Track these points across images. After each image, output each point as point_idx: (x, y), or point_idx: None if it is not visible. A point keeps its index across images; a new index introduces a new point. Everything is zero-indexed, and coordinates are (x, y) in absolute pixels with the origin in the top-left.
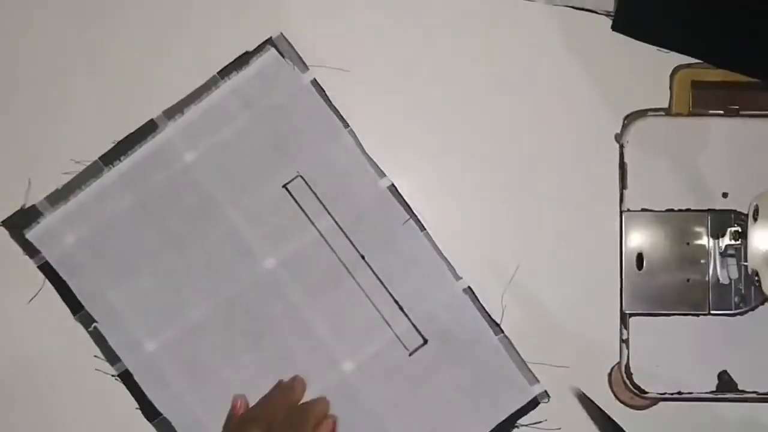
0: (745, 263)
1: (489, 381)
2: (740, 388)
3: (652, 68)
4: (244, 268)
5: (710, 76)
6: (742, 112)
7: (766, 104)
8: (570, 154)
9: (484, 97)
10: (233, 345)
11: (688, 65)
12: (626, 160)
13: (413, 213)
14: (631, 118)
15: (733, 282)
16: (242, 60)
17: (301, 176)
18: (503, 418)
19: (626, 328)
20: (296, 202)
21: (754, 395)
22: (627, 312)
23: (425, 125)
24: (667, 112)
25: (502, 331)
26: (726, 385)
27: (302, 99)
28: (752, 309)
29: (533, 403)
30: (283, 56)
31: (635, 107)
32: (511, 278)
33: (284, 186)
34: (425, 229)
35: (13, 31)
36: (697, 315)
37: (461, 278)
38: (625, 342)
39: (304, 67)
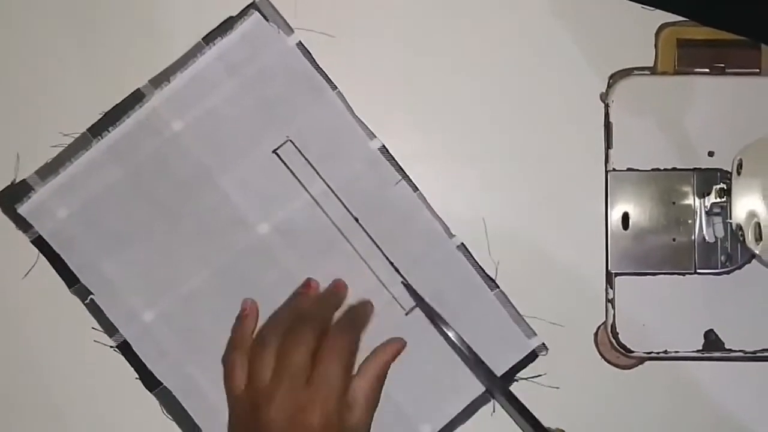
0: (731, 221)
1: (486, 335)
2: (727, 346)
3: (637, 26)
4: (237, 234)
5: (696, 33)
6: (727, 70)
7: (752, 62)
8: (555, 114)
9: (468, 58)
10: (230, 312)
11: (674, 23)
12: (611, 119)
13: (405, 173)
14: (616, 78)
15: (719, 241)
16: (226, 25)
17: (291, 140)
18: (502, 372)
19: (612, 287)
20: (287, 166)
21: (740, 354)
22: (613, 272)
23: (408, 86)
24: (653, 70)
25: (498, 286)
26: (712, 344)
27: (288, 62)
28: (738, 268)
29: (532, 356)
30: (267, 19)
31: (620, 66)
32: (491, 236)
33: (274, 151)
34: (418, 189)
35: None
36: (683, 274)
37: (454, 235)
38: (610, 302)
39: (289, 30)
